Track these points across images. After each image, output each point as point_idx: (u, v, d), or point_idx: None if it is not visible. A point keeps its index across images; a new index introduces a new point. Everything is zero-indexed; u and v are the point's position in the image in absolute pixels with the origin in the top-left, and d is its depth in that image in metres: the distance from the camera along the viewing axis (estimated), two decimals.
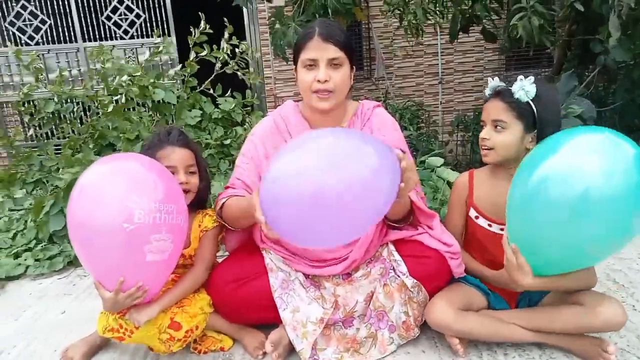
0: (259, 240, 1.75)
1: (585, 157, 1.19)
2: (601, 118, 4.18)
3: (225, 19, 3.44)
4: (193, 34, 3.19)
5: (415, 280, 1.56)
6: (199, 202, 1.74)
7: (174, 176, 1.55)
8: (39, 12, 5.97)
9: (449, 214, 1.73)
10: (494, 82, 1.55)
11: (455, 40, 4.09)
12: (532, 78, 1.47)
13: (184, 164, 1.64)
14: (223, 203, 1.64)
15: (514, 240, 1.35)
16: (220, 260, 1.80)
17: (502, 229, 1.57)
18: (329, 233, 1.23)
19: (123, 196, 1.33)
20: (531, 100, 1.46)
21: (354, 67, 1.66)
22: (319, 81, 1.57)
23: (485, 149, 1.54)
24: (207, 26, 3.17)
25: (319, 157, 1.17)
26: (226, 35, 3.38)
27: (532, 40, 3.08)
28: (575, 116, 3.33)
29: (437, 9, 3.89)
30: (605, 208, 1.16)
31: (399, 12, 4.10)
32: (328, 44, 1.56)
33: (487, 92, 1.57)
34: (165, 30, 5.92)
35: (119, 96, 2.94)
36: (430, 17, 3.94)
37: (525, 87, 1.45)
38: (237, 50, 3.54)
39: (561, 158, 1.22)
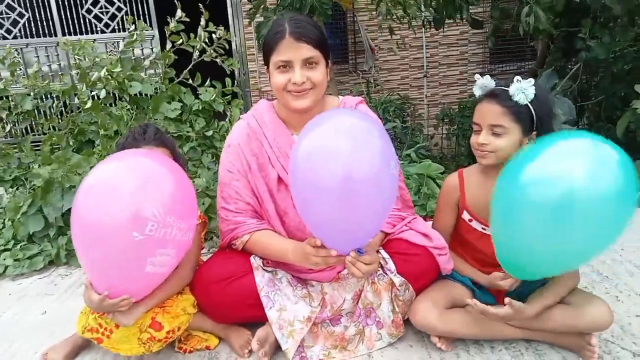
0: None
1: (569, 161, 1.18)
2: (584, 110, 4.23)
3: (200, 5, 3.36)
4: (170, 23, 3.12)
5: (403, 279, 1.55)
6: None
7: (193, 189, 1.48)
8: (16, 5, 5.82)
9: (438, 215, 1.69)
10: (485, 81, 1.48)
11: (442, 29, 4.08)
12: (532, 80, 1.41)
13: None
14: (246, 240, 1.62)
15: (498, 243, 1.36)
16: (205, 259, 1.78)
17: (483, 228, 1.57)
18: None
19: (140, 203, 1.28)
20: (529, 102, 1.42)
21: (330, 62, 1.59)
22: (294, 84, 1.50)
23: (484, 152, 1.49)
24: (184, 14, 3.10)
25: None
26: (202, 22, 3.30)
27: (538, 30, 3.14)
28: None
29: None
30: (589, 211, 1.15)
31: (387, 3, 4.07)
32: (301, 43, 1.48)
33: (478, 91, 1.50)
34: (148, 23, 5.82)
35: (97, 91, 2.87)
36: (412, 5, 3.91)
37: (525, 90, 1.40)
38: (214, 36, 3.46)
39: (545, 161, 1.21)
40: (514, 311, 1.39)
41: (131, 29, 3.16)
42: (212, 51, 3.37)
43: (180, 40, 3.18)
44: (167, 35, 3.19)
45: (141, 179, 1.32)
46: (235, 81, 3.74)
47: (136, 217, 1.26)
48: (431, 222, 1.75)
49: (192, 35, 3.26)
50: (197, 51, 3.29)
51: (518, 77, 1.42)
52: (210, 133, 3.11)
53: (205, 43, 3.30)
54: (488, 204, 1.51)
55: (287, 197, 1.62)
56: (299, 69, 1.49)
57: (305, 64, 1.51)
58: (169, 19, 3.14)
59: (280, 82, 1.52)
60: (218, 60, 3.46)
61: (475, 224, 1.59)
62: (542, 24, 3.01)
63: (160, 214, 1.28)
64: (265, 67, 1.60)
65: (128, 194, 1.28)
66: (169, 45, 3.22)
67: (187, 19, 3.11)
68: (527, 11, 3.00)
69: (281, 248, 1.55)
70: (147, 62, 3.28)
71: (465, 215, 1.60)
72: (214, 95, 3.26)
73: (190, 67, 3.32)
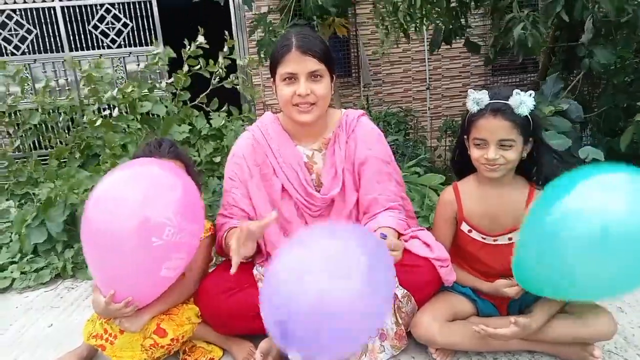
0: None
1: (605, 195, 1.19)
2: (586, 123, 4.23)
3: (226, 32, 3.39)
4: (187, 47, 3.14)
5: (405, 291, 1.56)
6: None
7: (199, 193, 1.52)
8: (24, 22, 5.92)
9: (436, 230, 1.70)
10: (479, 95, 1.49)
11: (436, 50, 4.12)
12: (531, 92, 1.44)
13: None
14: (225, 235, 1.63)
15: (521, 261, 1.36)
16: (210, 270, 1.80)
17: (495, 240, 1.58)
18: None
19: (155, 209, 1.31)
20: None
21: (334, 76, 1.64)
22: (299, 95, 1.55)
23: (494, 166, 1.49)
24: (205, 41, 3.12)
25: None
26: (225, 49, 3.31)
27: (530, 51, 3.15)
28: (563, 116, 3.38)
29: (419, 17, 3.92)
30: (623, 247, 1.15)
31: (386, 21, 4.12)
32: (307, 56, 1.53)
33: (473, 106, 1.49)
34: (153, 39, 5.91)
35: (108, 111, 2.91)
36: (412, 24, 3.95)
37: (526, 102, 1.42)
38: (238, 62, 3.48)
39: (581, 195, 1.21)
40: (520, 329, 1.41)
41: (155, 50, 3.19)
42: (234, 78, 3.39)
43: (199, 66, 3.21)
44: (183, 57, 3.21)
45: (151, 185, 1.36)
46: (251, 108, 3.74)
47: (154, 223, 1.29)
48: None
49: (211, 61, 3.27)
50: (217, 77, 3.31)
51: (517, 90, 1.45)
52: (218, 160, 3.11)
53: (223, 69, 3.32)
54: (487, 214, 1.53)
55: (292, 207, 1.66)
56: (304, 81, 1.54)
57: (310, 77, 1.55)
58: (185, 42, 3.16)
59: (286, 94, 1.56)
60: (239, 88, 3.48)
61: (475, 235, 1.60)
62: (536, 47, 3.03)
63: (175, 218, 1.32)
64: (272, 79, 1.64)
65: (141, 202, 1.31)
66: (184, 67, 3.24)
67: (207, 46, 3.14)
68: (521, 33, 3.01)
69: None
70: (163, 84, 3.31)
71: (465, 227, 1.61)
72: (225, 121, 3.27)
73: (207, 91, 3.34)
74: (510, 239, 1.55)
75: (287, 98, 1.57)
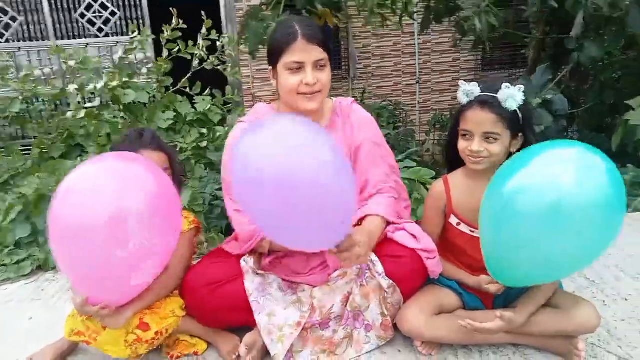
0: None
1: (557, 168, 1.20)
2: (573, 118, 4.26)
3: (203, 13, 3.34)
4: (164, 31, 3.10)
5: (391, 281, 1.55)
6: None
7: (178, 196, 1.45)
8: (9, 9, 5.81)
9: (425, 222, 1.69)
10: (469, 87, 1.48)
11: (427, 30, 4.09)
12: (521, 86, 1.43)
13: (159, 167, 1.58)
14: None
15: (486, 250, 1.36)
16: (194, 262, 1.77)
17: (472, 231, 1.57)
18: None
19: (126, 220, 1.25)
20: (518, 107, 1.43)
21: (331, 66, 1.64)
22: (307, 84, 1.53)
23: (478, 159, 1.49)
24: (181, 22, 3.07)
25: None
26: (204, 30, 3.26)
27: (479, 37, 3.14)
28: (547, 110, 3.39)
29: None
30: (577, 219, 1.16)
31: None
32: (313, 45, 1.52)
33: (464, 98, 1.49)
34: (141, 28, 5.83)
35: (91, 99, 2.85)
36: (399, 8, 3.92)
37: (515, 96, 1.41)
38: (217, 43, 3.42)
39: (534, 170, 1.23)
40: (505, 322, 1.41)
41: (133, 35, 3.12)
42: (214, 59, 3.33)
43: (177, 48, 3.15)
44: (162, 42, 3.16)
45: (125, 182, 1.30)
46: (235, 90, 3.71)
47: (118, 235, 1.24)
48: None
49: (190, 43, 3.23)
50: (197, 59, 3.25)
51: (507, 84, 1.43)
52: (204, 144, 3.05)
53: (204, 51, 3.26)
54: (475, 207, 1.52)
55: None
56: (310, 70, 1.53)
57: (316, 66, 1.54)
58: (163, 27, 3.11)
59: (292, 83, 1.54)
60: (220, 68, 3.42)
61: (463, 227, 1.59)
62: (484, 32, 3.04)
63: (141, 232, 1.26)
64: (271, 67, 1.62)
65: (108, 199, 1.25)
66: (164, 52, 3.19)
67: (184, 26, 3.09)
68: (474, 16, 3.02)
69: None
70: (144, 70, 3.25)
71: (453, 220, 1.61)
72: (210, 105, 3.22)
73: (189, 75, 3.29)
74: None
75: (293, 87, 1.55)
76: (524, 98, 1.43)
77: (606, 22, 3.49)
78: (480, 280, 1.51)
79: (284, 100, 1.65)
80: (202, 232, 1.85)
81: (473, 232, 1.58)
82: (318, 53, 1.53)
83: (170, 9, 3.18)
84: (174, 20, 3.12)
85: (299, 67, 1.54)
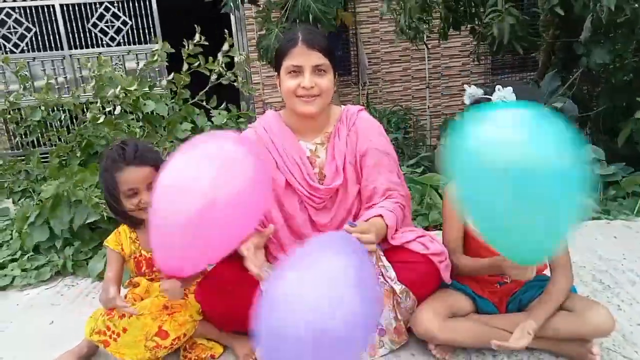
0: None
1: (515, 131, 1.12)
2: (585, 121, 4.25)
3: (225, 31, 3.41)
4: (186, 45, 3.15)
5: (403, 286, 1.56)
6: None
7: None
8: (23, 20, 5.92)
9: (446, 227, 1.69)
10: (473, 91, 1.54)
11: (440, 41, 4.15)
12: (510, 88, 1.47)
13: (145, 183, 1.57)
14: None
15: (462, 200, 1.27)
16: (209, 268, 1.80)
17: None
18: None
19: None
20: None
21: (337, 73, 1.67)
22: (304, 87, 1.58)
23: None
24: (202, 38, 3.13)
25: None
26: (225, 47, 3.33)
27: (504, 42, 3.15)
28: (557, 114, 3.39)
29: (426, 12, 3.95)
30: (533, 182, 1.08)
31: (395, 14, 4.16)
32: (312, 50, 1.57)
33: (467, 100, 1.57)
34: (153, 37, 5.91)
35: (111, 107, 2.90)
36: (422, 20, 3.99)
37: (505, 98, 1.45)
38: (235, 60, 3.49)
39: (492, 132, 1.14)
40: (527, 338, 1.41)
41: (155, 48, 3.19)
42: (231, 75, 3.39)
43: (198, 63, 3.22)
44: (183, 56, 3.22)
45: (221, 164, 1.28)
46: (249, 105, 3.76)
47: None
48: (434, 232, 1.77)
49: (210, 58, 3.28)
50: (215, 74, 3.31)
51: (499, 86, 1.48)
52: None
53: (223, 67, 3.32)
54: None
55: (295, 201, 1.70)
56: (308, 74, 1.57)
57: (315, 71, 1.59)
58: (184, 42, 3.17)
59: (290, 86, 1.59)
60: (236, 84, 3.48)
61: None
62: (507, 35, 3.05)
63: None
64: (276, 73, 1.67)
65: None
66: (184, 66, 3.24)
67: (206, 43, 3.14)
68: (495, 22, 3.04)
69: None
70: (164, 82, 3.32)
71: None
72: (227, 119, 3.28)
73: (206, 89, 3.35)
74: None
75: (291, 89, 1.60)
76: (514, 99, 1.46)
77: (615, 25, 3.49)
78: (497, 258, 1.45)
79: (286, 105, 1.69)
80: None
81: None
82: (317, 58, 1.58)
83: (195, 25, 3.24)
84: (197, 36, 3.18)
85: (297, 71, 1.59)
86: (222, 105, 3.49)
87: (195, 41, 3.15)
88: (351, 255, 1.21)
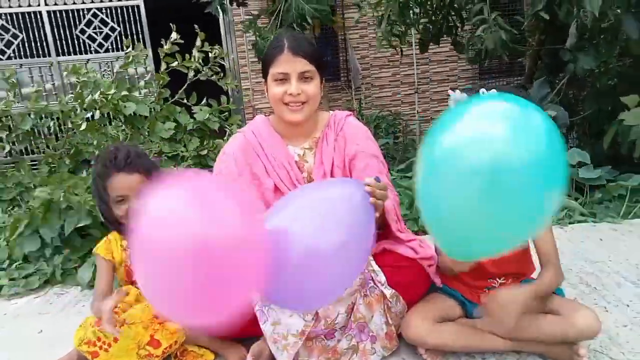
0: None
1: (493, 124, 1.05)
2: (572, 126, 4.31)
3: (196, 26, 3.42)
4: (163, 45, 3.17)
5: (393, 291, 1.58)
6: None
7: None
8: (10, 27, 5.88)
9: None
10: (457, 96, 1.53)
11: (426, 51, 4.22)
12: (494, 90, 1.44)
13: (134, 191, 1.56)
14: None
15: (424, 208, 1.19)
16: None
17: None
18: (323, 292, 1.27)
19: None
20: None
21: (324, 78, 1.68)
22: (290, 94, 1.59)
23: None
24: (178, 36, 3.15)
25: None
26: (198, 42, 3.35)
27: (495, 53, 3.19)
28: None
29: (410, 20, 3.99)
30: (515, 179, 1.01)
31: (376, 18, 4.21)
32: (298, 57, 1.58)
33: (452, 105, 1.54)
34: (141, 42, 5.89)
35: (92, 112, 2.90)
36: (401, 29, 4.04)
37: None
38: (210, 54, 3.51)
39: (469, 124, 1.08)
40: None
41: (128, 50, 3.20)
42: (207, 70, 3.42)
43: (175, 62, 3.23)
44: (160, 56, 3.23)
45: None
46: (230, 99, 3.79)
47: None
48: (423, 237, 1.78)
49: (187, 55, 3.31)
50: (192, 71, 3.34)
51: (483, 89, 1.48)
52: (205, 152, 3.13)
53: (200, 63, 3.35)
54: None
55: None
56: (295, 81, 1.58)
57: (301, 77, 1.60)
58: (162, 41, 3.19)
59: (277, 93, 1.60)
60: (214, 78, 3.51)
61: None
62: (499, 48, 3.10)
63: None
64: (264, 81, 1.69)
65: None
66: (162, 65, 3.26)
67: (182, 41, 3.17)
68: (487, 35, 3.09)
69: None
70: (142, 83, 3.33)
71: None
72: (209, 114, 3.29)
73: (185, 86, 3.37)
74: None
75: (278, 97, 1.61)
76: None
77: (600, 31, 3.55)
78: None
79: (274, 111, 1.71)
80: None
81: None
82: (303, 65, 1.59)
83: (170, 24, 3.25)
84: (173, 35, 3.20)
85: (284, 78, 1.60)
86: (203, 101, 3.50)
87: (171, 39, 3.17)
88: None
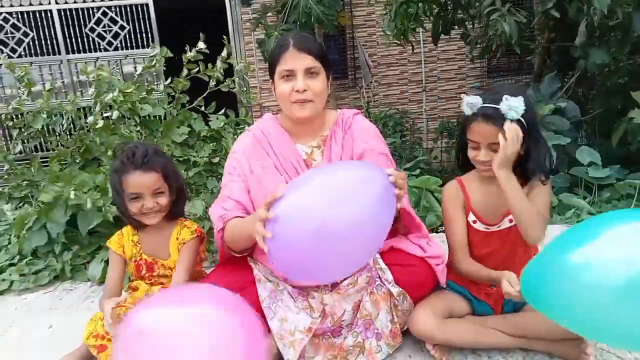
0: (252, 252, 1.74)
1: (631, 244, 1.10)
2: (582, 124, 4.28)
3: (224, 37, 3.44)
4: (187, 52, 3.17)
5: (400, 289, 1.58)
6: (175, 214, 1.74)
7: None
8: (21, 25, 5.93)
9: (449, 225, 1.68)
10: (472, 100, 1.49)
11: (436, 47, 4.22)
12: (521, 97, 1.43)
13: (149, 189, 1.60)
14: (223, 227, 1.61)
15: (544, 300, 1.29)
16: (208, 271, 1.81)
17: (498, 227, 1.60)
18: (333, 269, 1.32)
19: None
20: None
21: (330, 76, 1.69)
22: (297, 91, 1.59)
23: (488, 166, 1.50)
24: (204, 46, 3.16)
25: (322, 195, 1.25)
26: (224, 53, 3.36)
27: (509, 41, 3.18)
28: (560, 114, 3.43)
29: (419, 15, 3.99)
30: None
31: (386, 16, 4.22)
32: (303, 54, 1.59)
33: (468, 110, 1.51)
34: (150, 41, 5.92)
35: (109, 112, 2.92)
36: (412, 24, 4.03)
37: (516, 107, 1.42)
38: (235, 67, 3.53)
39: (605, 243, 1.14)
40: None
41: (153, 53, 3.21)
42: (230, 82, 3.42)
43: (197, 69, 3.24)
44: (174, 57, 3.24)
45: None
46: (247, 110, 3.79)
47: None
48: (431, 235, 1.79)
49: (209, 65, 3.31)
50: (214, 80, 3.34)
51: (506, 96, 1.44)
52: (217, 160, 3.14)
53: (221, 73, 3.35)
54: (490, 205, 1.58)
55: None
56: (301, 77, 1.59)
57: (307, 74, 1.60)
58: (186, 48, 3.20)
59: (284, 90, 1.61)
60: (235, 90, 3.51)
61: (478, 225, 1.62)
62: (514, 34, 3.08)
63: None
64: (271, 80, 1.69)
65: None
66: (183, 71, 3.27)
67: (207, 51, 3.17)
68: (500, 21, 3.08)
69: (246, 222, 1.53)
70: (161, 87, 3.34)
71: (470, 217, 1.63)
72: (224, 123, 3.31)
73: (205, 94, 3.38)
74: (510, 220, 1.57)
75: (285, 94, 1.62)
76: (524, 108, 1.43)
77: (610, 28, 3.53)
78: (504, 275, 1.43)
79: (282, 109, 1.71)
80: (205, 241, 1.89)
81: (488, 228, 1.61)
82: (309, 61, 1.60)
83: (201, 33, 3.26)
84: (200, 44, 3.21)
85: (290, 75, 1.61)
86: (221, 112, 3.52)
87: (198, 48, 3.18)
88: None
